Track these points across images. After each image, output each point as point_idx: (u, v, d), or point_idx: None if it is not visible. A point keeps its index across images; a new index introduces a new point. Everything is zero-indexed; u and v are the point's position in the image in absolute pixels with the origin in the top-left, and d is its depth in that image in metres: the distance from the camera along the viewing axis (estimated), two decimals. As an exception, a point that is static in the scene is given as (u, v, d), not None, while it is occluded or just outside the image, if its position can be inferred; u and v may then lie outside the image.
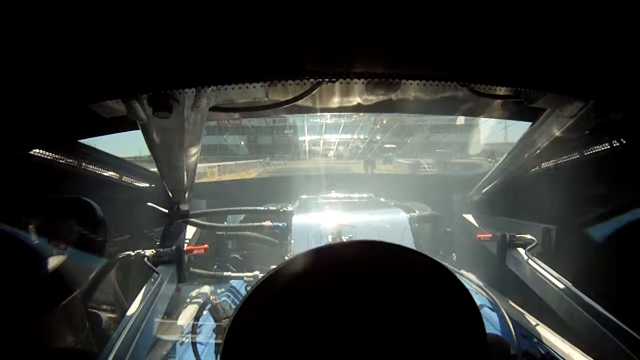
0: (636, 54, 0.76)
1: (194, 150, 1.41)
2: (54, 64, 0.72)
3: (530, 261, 1.65)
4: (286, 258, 1.86)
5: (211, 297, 1.66)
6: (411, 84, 1.05)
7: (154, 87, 0.90)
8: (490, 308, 1.59)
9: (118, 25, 0.66)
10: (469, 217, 2.35)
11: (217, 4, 0.65)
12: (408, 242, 2.04)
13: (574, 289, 1.36)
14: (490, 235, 2.04)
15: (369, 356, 0.57)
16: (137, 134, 1.21)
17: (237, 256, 2.34)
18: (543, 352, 1.39)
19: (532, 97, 1.14)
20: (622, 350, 1.08)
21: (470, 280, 1.79)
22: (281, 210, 2.24)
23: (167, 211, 2.06)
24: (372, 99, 1.19)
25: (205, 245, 2.04)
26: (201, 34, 0.71)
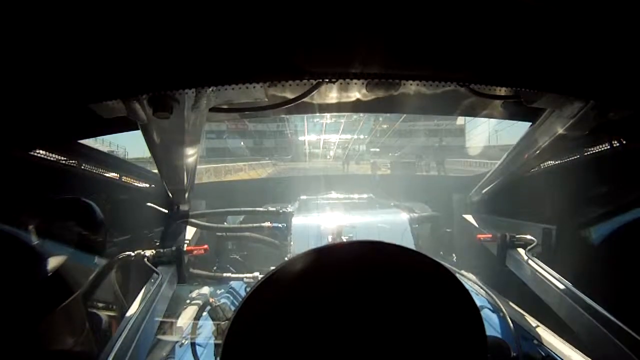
0: (636, 54, 0.76)
1: (194, 150, 1.41)
2: (53, 63, 0.72)
3: (530, 261, 1.65)
4: (286, 259, 1.86)
5: (211, 299, 1.66)
6: (411, 84, 1.05)
7: (154, 87, 0.90)
8: (490, 309, 1.59)
9: (118, 25, 0.66)
10: (469, 218, 2.34)
11: (217, 4, 0.65)
12: (408, 242, 2.04)
13: (574, 289, 1.36)
14: (490, 235, 2.03)
15: (368, 357, 0.56)
16: (137, 134, 1.21)
17: (237, 257, 2.34)
18: (544, 354, 1.39)
19: (531, 98, 1.14)
20: (622, 351, 1.07)
21: (471, 280, 1.79)
22: (281, 211, 2.24)
23: (167, 211, 2.06)
24: (372, 99, 1.20)
25: (205, 246, 2.04)
26: (201, 34, 0.71)
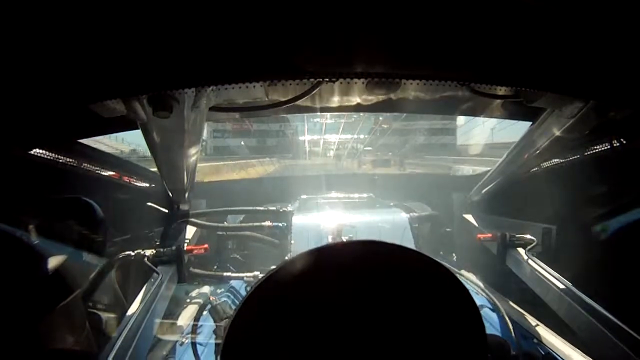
0: (636, 54, 0.76)
1: (194, 150, 1.41)
2: (53, 63, 0.72)
3: (530, 261, 1.65)
4: (286, 258, 1.86)
5: (211, 298, 1.66)
6: (411, 83, 1.05)
7: (154, 87, 0.90)
8: (490, 308, 1.59)
9: (118, 24, 0.66)
10: (469, 217, 2.35)
11: (217, 4, 0.65)
12: (408, 242, 2.05)
13: (574, 289, 1.36)
14: (490, 235, 2.03)
15: (368, 356, 0.57)
16: (137, 134, 1.21)
17: (237, 256, 2.34)
18: (543, 352, 1.39)
19: (532, 97, 1.14)
20: (622, 350, 1.07)
21: (470, 280, 1.79)
22: (281, 210, 2.24)
23: (167, 211, 2.06)
24: (372, 98, 1.20)
25: (206, 245, 2.04)
26: (201, 33, 0.71)
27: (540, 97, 1.13)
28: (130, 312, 1.31)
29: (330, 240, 1.94)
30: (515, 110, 1.38)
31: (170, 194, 1.91)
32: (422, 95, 1.17)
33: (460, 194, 2.47)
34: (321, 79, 0.95)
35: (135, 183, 1.97)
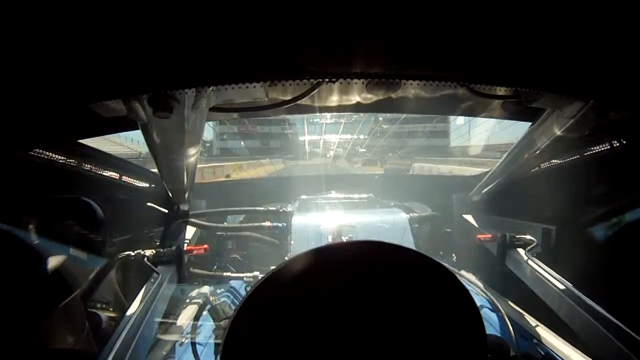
0: (636, 54, 0.76)
1: (194, 150, 1.41)
2: (53, 63, 0.72)
3: (530, 262, 1.65)
4: (286, 258, 1.86)
5: (211, 298, 1.66)
6: (411, 84, 1.05)
7: (154, 87, 0.90)
8: (490, 309, 1.59)
9: (118, 24, 0.66)
10: (469, 218, 2.34)
11: (217, 4, 0.65)
12: (408, 242, 2.05)
13: (574, 289, 1.36)
14: (490, 235, 2.03)
15: (368, 356, 0.57)
16: (137, 134, 1.21)
17: (237, 256, 2.34)
18: (543, 353, 1.39)
19: (531, 97, 1.14)
20: (622, 351, 1.07)
21: (470, 280, 1.79)
22: (281, 210, 2.24)
23: (167, 211, 2.06)
24: (372, 99, 1.19)
25: (205, 246, 2.04)
26: (201, 33, 0.71)
27: (540, 98, 1.13)
28: (130, 312, 1.31)
29: (330, 240, 1.94)
30: (515, 110, 1.38)
31: (170, 194, 1.91)
32: (422, 95, 1.17)
33: (460, 194, 2.47)
34: (321, 80, 0.95)
35: (135, 183, 1.97)
